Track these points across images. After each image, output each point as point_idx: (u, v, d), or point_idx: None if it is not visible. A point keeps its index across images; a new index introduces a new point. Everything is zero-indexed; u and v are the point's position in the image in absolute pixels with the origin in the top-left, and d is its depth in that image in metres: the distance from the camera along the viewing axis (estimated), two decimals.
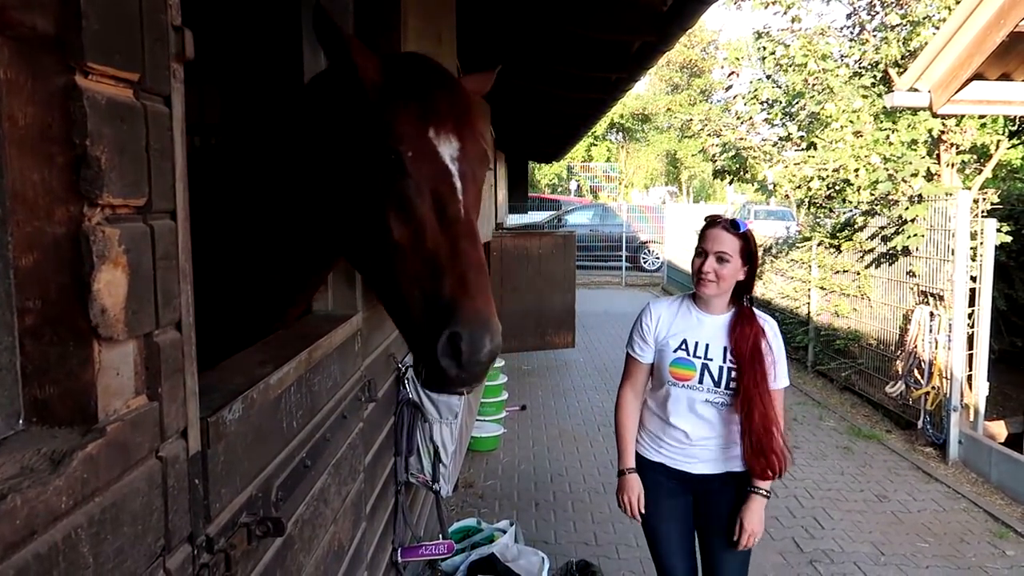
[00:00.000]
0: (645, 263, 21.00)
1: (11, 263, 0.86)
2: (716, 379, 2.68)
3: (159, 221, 1.02)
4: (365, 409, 2.47)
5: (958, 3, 7.08)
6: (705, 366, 2.70)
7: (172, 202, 1.06)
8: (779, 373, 2.71)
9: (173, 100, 1.05)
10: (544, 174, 35.61)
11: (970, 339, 6.82)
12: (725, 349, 2.69)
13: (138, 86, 0.97)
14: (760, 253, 2.84)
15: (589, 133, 13.76)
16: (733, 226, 2.65)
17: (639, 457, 2.86)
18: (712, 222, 2.72)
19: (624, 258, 19.74)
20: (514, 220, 18.63)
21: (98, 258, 0.88)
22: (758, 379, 2.59)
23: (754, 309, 2.74)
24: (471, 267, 1.48)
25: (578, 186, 35.22)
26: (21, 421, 0.89)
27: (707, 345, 2.70)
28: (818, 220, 10.73)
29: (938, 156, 8.81)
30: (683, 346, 2.74)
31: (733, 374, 2.66)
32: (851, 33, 10.53)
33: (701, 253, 2.67)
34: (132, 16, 0.94)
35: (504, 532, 4.12)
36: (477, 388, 3.50)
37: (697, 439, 2.73)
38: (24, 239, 0.87)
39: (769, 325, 2.73)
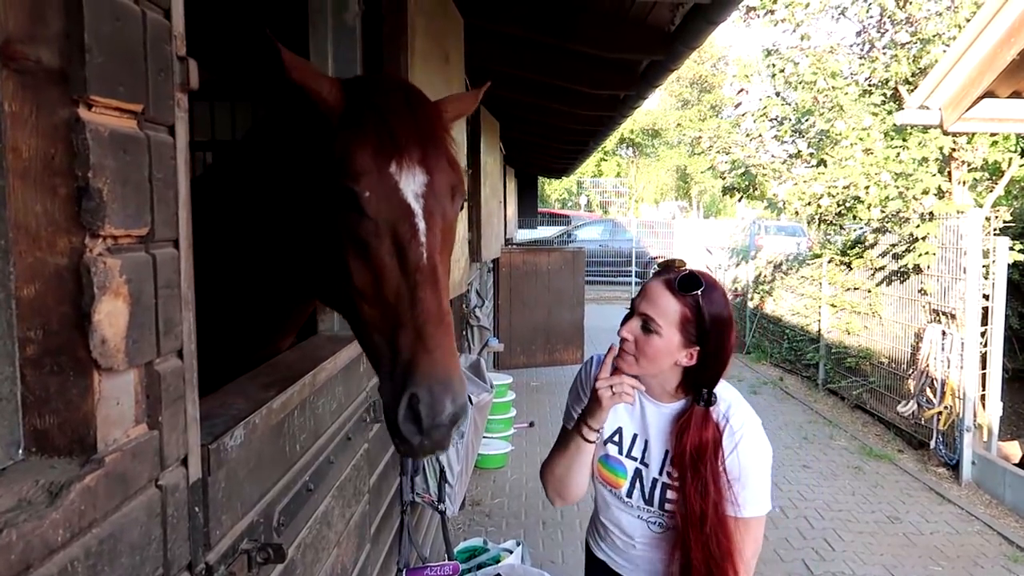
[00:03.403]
0: None
1: (13, 293, 0.87)
2: (647, 495, 1.99)
3: (162, 250, 1.02)
4: (370, 430, 2.46)
5: (968, 21, 7.07)
6: (638, 473, 2.01)
7: (175, 230, 1.06)
8: (749, 497, 1.88)
9: (177, 129, 1.06)
10: (554, 189, 35.67)
11: (983, 358, 6.76)
12: (666, 454, 1.97)
13: (142, 116, 0.97)
14: (727, 322, 1.91)
15: (599, 148, 13.79)
16: (684, 284, 1.85)
17: (587, 550, 2.27)
18: (660, 269, 1.97)
19: (634, 273, 19.73)
20: (524, 235, 18.66)
21: (99, 289, 0.88)
22: (705, 503, 1.85)
23: (720, 406, 1.92)
24: (430, 319, 1.35)
25: (588, 201, 35.27)
26: (20, 451, 0.89)
27: (645, 443, 1.99)
28: (828, 237, 10.70)
29: (949, 174, 8.78)
30: (616, 437, 2.05)
31: (669, 494, 1.95)
32: (861, 51, 10.53)
33: (630, 310, 1.96)
34: (136, 48, 0.95)
35: (511, 552, 4.10)
36: (484, 406, 3.49)
37: (639, 549, 2.07)
38: (26, 270, 0.87)
39: (743, 432, 1.90)
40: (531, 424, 7.58)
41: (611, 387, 1.88)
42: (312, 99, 1.47)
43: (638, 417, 2.03)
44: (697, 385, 1.91)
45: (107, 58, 0.89)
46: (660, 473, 1.98)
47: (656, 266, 1.98)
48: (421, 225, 1.43)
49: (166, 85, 1.02)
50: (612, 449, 2.05)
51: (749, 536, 1.89)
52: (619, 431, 2.05)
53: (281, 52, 1.44)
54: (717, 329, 1.86)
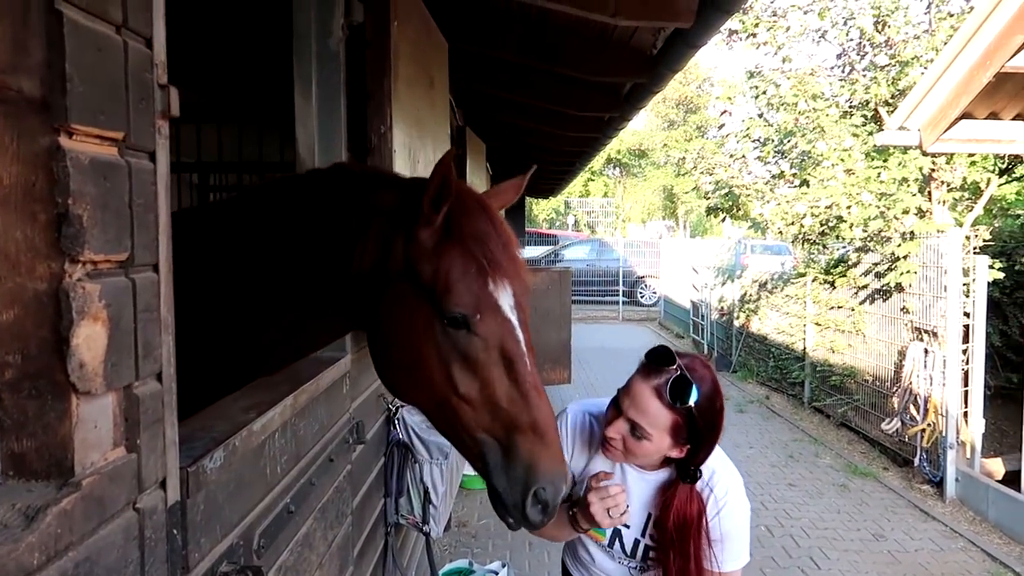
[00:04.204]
0: (642, 298, 21.04)
1: None
2: (628, 551, 2.04)
3: (141, 274, 1.04)
4: (353, 451, 2.46)
5: (945, 44, 7.21)
6: (618, 532, 2.04)
7: (155, 255, 1.08)
8: (729, 556, 1.92)
9: (158, 156, 1.08)
10: (542, 209, 35.82)
11: (965, 375, 6.82)
12: (648, 517, 1.99)
13: (123, 144, 0.99)
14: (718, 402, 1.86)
15: (586, 168, 13.87)
16: (675, 394, 1.79)
17: (563, 567, 2.30)
18: (648, 368, 1.86)
19: (621, 293, 19.79)
20: None
21: (78, 313, 0.89)
22: (687, 565, 1.88)
23: (703, 473, 1.91)
24: (548, 422, 1.55)
25: (575, 221, 35.43)
26: None
27: (626, 506, 1.95)
28: (812, 256, 10.79)
29: (929, 193, 8.90)
30: None
31: (651, 553, 2.00)
32: (841, 73, 10.70)
33: (615, 405, 1.91)
34: (118, 77, 0.97)
35: (496, 573, 4.08)
36: None
37: None
38: (5, 294, 0.89)
39: (726, 499, 1.91)
40: None
41: (607, 510, 1.88)
42: (424, 221, 1.58)
43: (618, 478, 2.01)
44: (685, 464, 1.90)
45: (88, 87, 0.90)
46: (642, 535, 2.01)
47: (643, 357, 1.89)
48: (521, 336, 1.59)
49: (147, 113, 1.04)
50: None
51: None
52: None
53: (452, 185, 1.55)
54: (710, 426, 1.84)
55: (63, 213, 0.88)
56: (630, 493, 1.98)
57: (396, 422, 3.03)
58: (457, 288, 1.53)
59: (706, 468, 1.92)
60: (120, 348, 0.98)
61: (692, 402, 1.78)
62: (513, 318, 1.58)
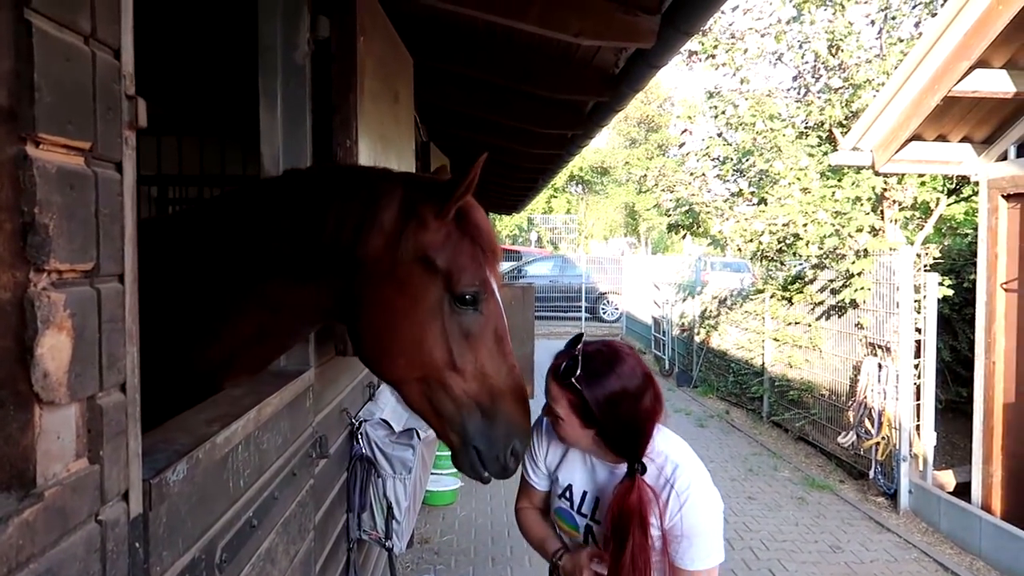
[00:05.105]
0: (604, 314, 21.20)
1: None
2: (602, 547, 2.02)
3: (107, 284, 1.03)
4: (316, 465, 2.45)
5: (896, 68, 7.46)
6: (589, 528, 2.04)
7: (120, 265, 1.07)
8: (697, 553, 1.87)
9: (124, 166, 1.08)
10: (505, 225, 35.94)
11: (917, 390, 7.00)
12: None
13: (89, 154, 0.99)
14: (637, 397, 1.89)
15: (549, 185, 13.98)
16: (561, 373, 1.90)
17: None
18: (559, 354, 1.97)
19: (584, 308, 19.91)
20: None
21: (42, 323, 0.89)
22: (623, 559, 1.85)
23: (666, 468, 1.91)
24: (523, 389, 1.82)
25: (538, 237, 35.60)
26: None
27: (596, 500, 2.01)
28: (770, 273, 11.01)
29: (882, 212, 9.16)
30: (567, 493, 2.08)
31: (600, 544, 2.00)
32: (797, 94, 10.99)
33: None
34: (85, 88, 0.97)
35: None
36: (432, 442, 3.48)
37: None
38: None
39: (688, 494, 1.88)
40: None
41: None
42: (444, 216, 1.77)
43: (589, 473, 2.04)
44: (626, 455, 1.91)
45: (56, 97, 0.91)
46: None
47: (566, 344, 2.00)
48: (504, 317, 1.81)
49: (115, 123, 1.04)
50: (564, 503, 2.08)
51: None
52: (569, 488, 2.08)
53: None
54: (609, 409, 1.86)
55: (29, 222, 0.88)
56: (597, 486, 2.03)
57: (359, 436, 3.02)
58: (469, 271, 1.74)
59: (669, 463, 1.92)
60: (84, 358, 0.98)
61: (574, 380, 1.85)
62: (499, 299, 1.81)
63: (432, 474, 5.72)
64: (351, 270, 1.75)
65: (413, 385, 1.79)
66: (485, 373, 1.75)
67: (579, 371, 1.85)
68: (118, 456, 1.07)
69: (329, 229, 1.76)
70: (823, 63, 10.26)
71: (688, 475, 1.91)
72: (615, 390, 1.87)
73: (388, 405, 3.37)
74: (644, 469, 1.89)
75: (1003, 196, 6.00)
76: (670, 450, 1.95)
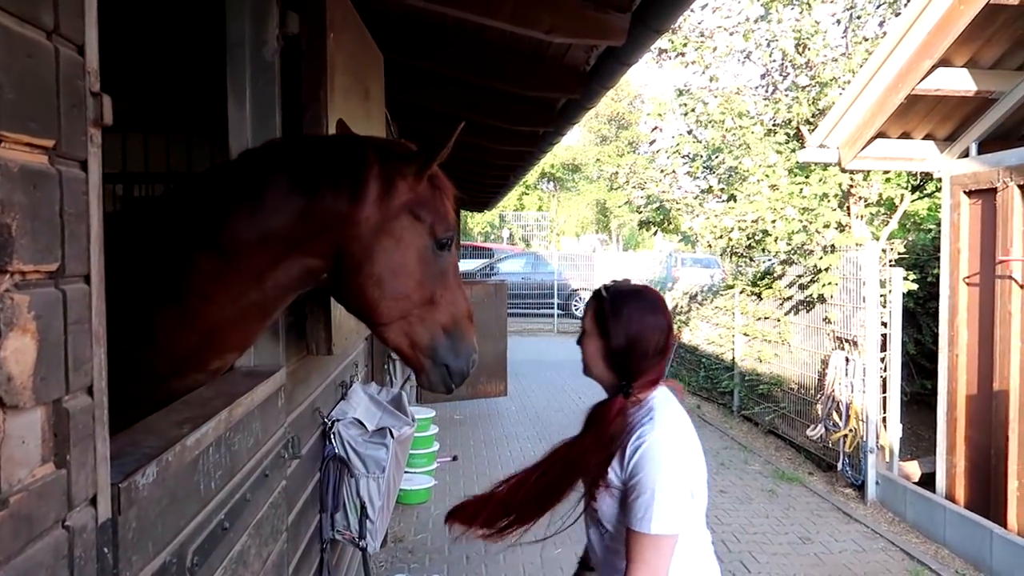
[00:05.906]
0: (576, 310, 21.24)
1: None
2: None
3: (72, 285, 1.01)
4: (289, 466, 2.42)
5: (861, 66, 7.59)
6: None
7: (86, 265, 1.05)
8: (639, 506, 1.81)
9: (90, 165, 1.06)
10: (477, 222, 35.89)
11: (883, 382, 7.13)
12: None
13: (53, 152, 0.97)
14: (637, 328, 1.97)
15: (521, 182, 13.99)
16: (600, 288, 2.11)
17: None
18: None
19: (556, 305, 19.96)
20: None
21: (6, 325, 0.87)
22: (571, 449, 2.01)
23: (639, 416, 1.94)
24: (471, 313, 2.17)
25: (510, 234, 35.61)
26: None
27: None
28: (740, 269, 11.13)
29: (848, 208, 9.31)
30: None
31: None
32: (765, 92, 11.12)
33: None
34: (48, 84, 0.95)
35: None
36: (406, 440, 3.47)
37: (599, 555, 2.11)
38: None
39: (648, 441, 1.85)
40: (454, 458, 7.52)
41: None
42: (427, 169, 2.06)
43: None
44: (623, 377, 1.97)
45: (19, 94, 0.88)
46: None
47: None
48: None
49: (79, 121, 1.02)
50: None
51: (638, 555, 1.79)
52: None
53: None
54: (620, 316, 1.98)
55: None
56: None
57: (332, 436, 3.00)
58: (445, 220, 2.06)
59: (651, 414, 1.92)
60: (50, 361, 0.95)
61: (603, 287, 2.10)
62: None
63: (406, 472, 5.70)
64: (346, 230, 1.95)
65: (397, 324, 2.04)
66: (451, 302, 2.09)
67: (611, 284, 2.11)
68: (85, 460, 1.05)
69: (327, 195, 1.94)
70: (790, 61, 10.39)
71: (659, 430, 1.87)
72: (633, 307, 2.01)
73: (361, 404, 3.35)
74: (630, 396, 1.95)
75: (965, 192, 6.12)
76: (661, 408, 1.95)
